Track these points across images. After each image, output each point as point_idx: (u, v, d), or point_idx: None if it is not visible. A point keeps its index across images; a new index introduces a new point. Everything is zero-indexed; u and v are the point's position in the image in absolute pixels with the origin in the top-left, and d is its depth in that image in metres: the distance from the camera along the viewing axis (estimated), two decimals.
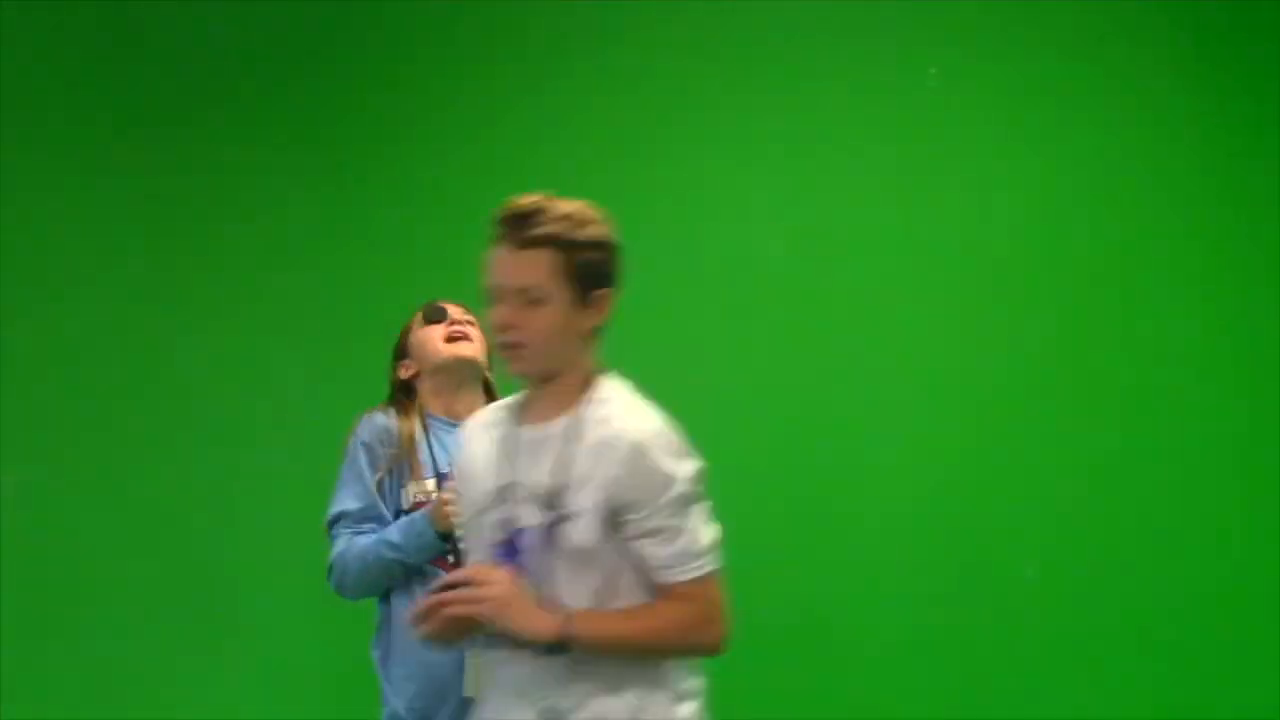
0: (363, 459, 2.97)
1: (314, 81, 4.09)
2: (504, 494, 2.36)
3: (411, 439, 2.98)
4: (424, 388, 3.06)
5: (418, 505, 2.94)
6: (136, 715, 3.79)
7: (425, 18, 4.07)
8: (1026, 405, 3.79)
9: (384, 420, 3.01)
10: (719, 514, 2.34)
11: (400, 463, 2.96)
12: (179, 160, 4.06)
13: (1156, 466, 3.80)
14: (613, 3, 4.05)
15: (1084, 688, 3.73)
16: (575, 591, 2.31)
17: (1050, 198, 3.91)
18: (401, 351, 3.10)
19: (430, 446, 2.99)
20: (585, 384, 2.38)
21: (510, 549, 2.33)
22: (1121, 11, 3.92)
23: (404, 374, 3.07)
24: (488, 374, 3.08)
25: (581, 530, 2.28)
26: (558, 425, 2.35)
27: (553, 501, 2.31)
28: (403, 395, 3.06)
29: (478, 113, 4.06)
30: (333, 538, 2.97)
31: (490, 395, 3.05)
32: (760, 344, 3.92)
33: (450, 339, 3.03)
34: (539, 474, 2.33)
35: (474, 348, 3.04)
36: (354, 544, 2.92)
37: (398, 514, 2.96)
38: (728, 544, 2.35)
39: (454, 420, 2.99)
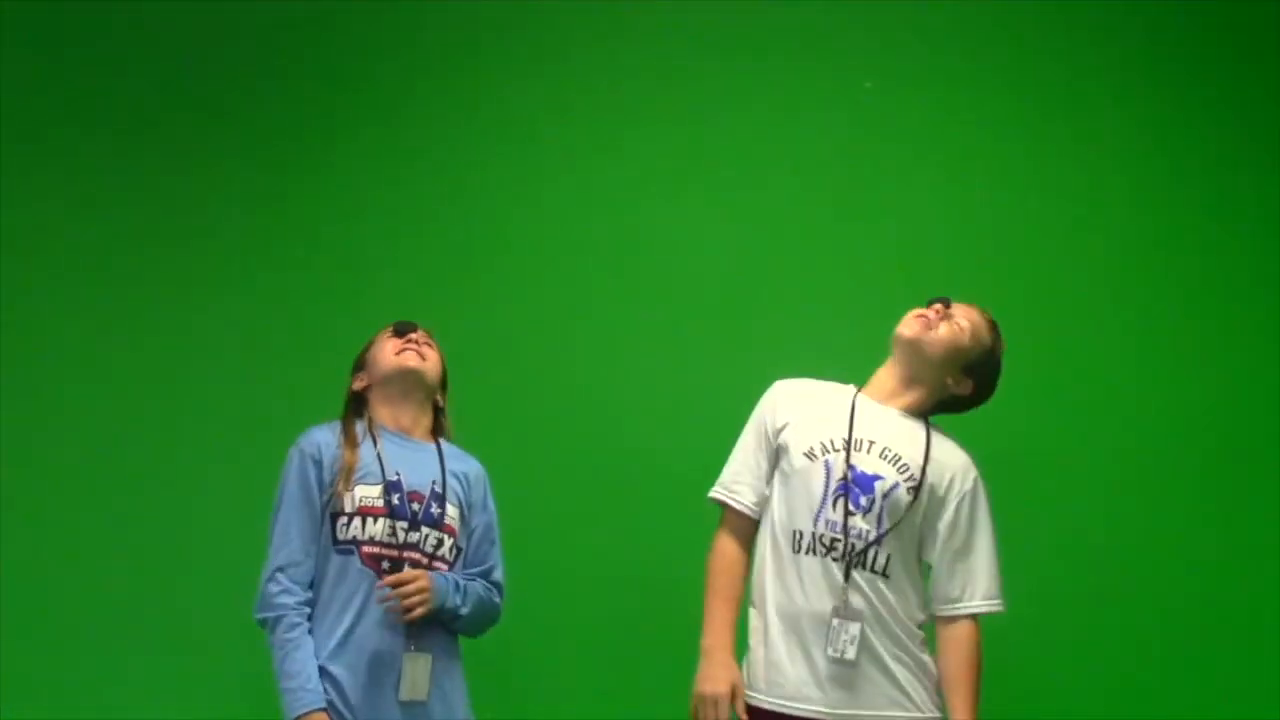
0: (295, 488, 3.03)
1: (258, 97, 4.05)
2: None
3: (355, 447, 3.04)
4: (374, 398, 3.15)
5: (361, 510, 3.01)
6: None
7: (374, 32, 4.02)
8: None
9: (321, 435, 3.08)
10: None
11: (345, 469, 3.03)
12: (117, 179, 4.01)
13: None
14: (559, 19, 4.04)
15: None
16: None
17: (992, 219, 3.86)
18: (359, 364, 3.21)
19: (379, 456, 3.05)
20: None
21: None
22: (1072, 21, 3.89)
23: (356, 385, 3.17)
24: (439, 397, 3.18)
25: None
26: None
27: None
28: (354, 406, 3.16)
29: (427, 126, 4.04)
30: (269, 590, 3.01)
31: (439, 417, 3.18)
32: (695, 365, 3.83)
33: (400, 351, 3.11)
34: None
35: (422, 362, 3.12)
36: (283, 639, 2.97)
37: (338, 515, 3.01)
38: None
39: (401, 433, 3.10)
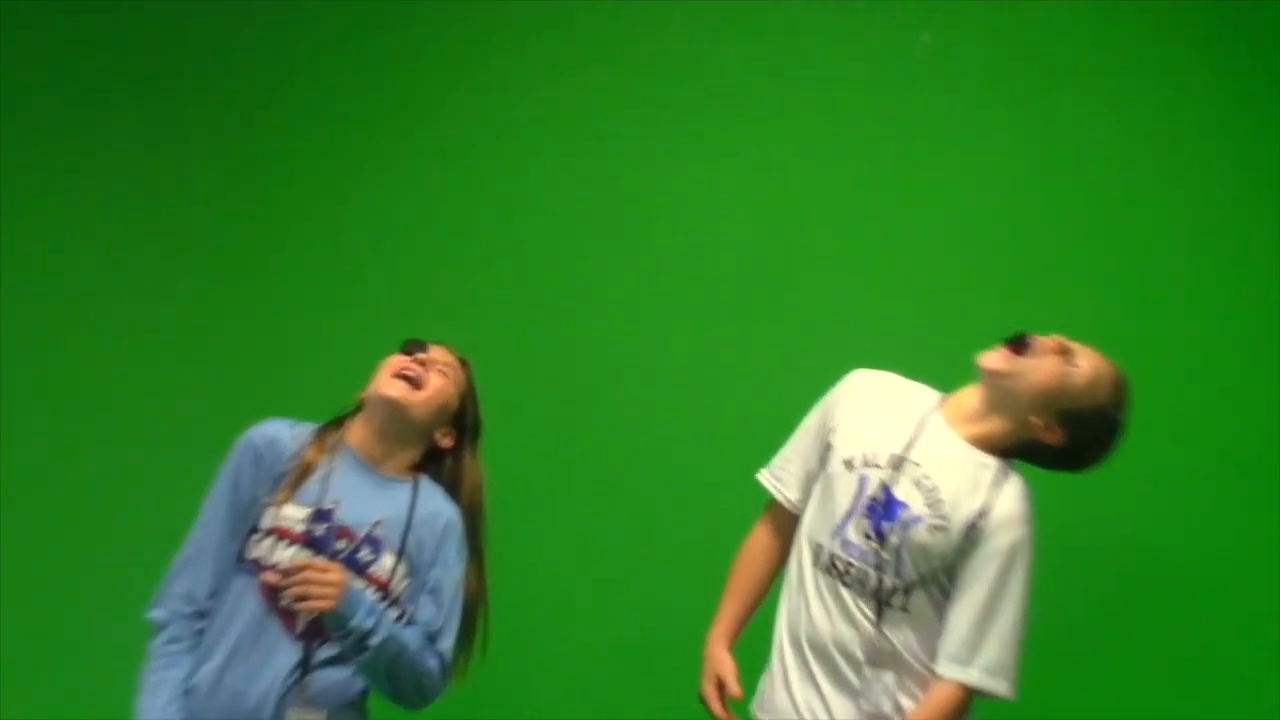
0: (229, 479, 2.74)
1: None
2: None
3: (323, 451, 2.74)
4: (360, 415, 2.83)
5: (277, 530, 2.69)
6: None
7: (341, 27, 3.85)
8: None
9: (276, 429, 2.78)
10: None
11: (299, 469, 2.72)
12: (87, 162, 3.90)
13: (1168, 468, 3.39)
14: None
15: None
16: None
17: (1054, 185, 3.51)
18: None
19: (327, 475, 2.71)
20: None
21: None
22: None
23: (362, 394, 2.83)
24: (440, 436, 2.82)
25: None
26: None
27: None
28: (350, 415, 2.84)
29: (431, 104, 3.82)
30: (170, 588, 2.72)
31: (431, 455, 2.83)
32: (732, 342, 3.57)
33: (398, 373, 2.77)
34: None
35: (410, 393, 2.76)
36: (162, 651, 2.69)
37: (255, 530, 2.71)
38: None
39: (367, 460, 2.77)
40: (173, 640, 2.68)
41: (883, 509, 2.69)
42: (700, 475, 3.47)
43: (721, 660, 2.83)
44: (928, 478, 2.71)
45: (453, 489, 2.85)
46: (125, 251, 3.84)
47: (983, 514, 2.68)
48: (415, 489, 2.79)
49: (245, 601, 2.67)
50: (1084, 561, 3.36)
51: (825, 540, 2.74)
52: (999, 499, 2.70)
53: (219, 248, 3.82)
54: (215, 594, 2.70)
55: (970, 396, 2.78)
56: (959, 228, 3.51)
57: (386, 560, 2.72)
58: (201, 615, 2.70)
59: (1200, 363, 3.40)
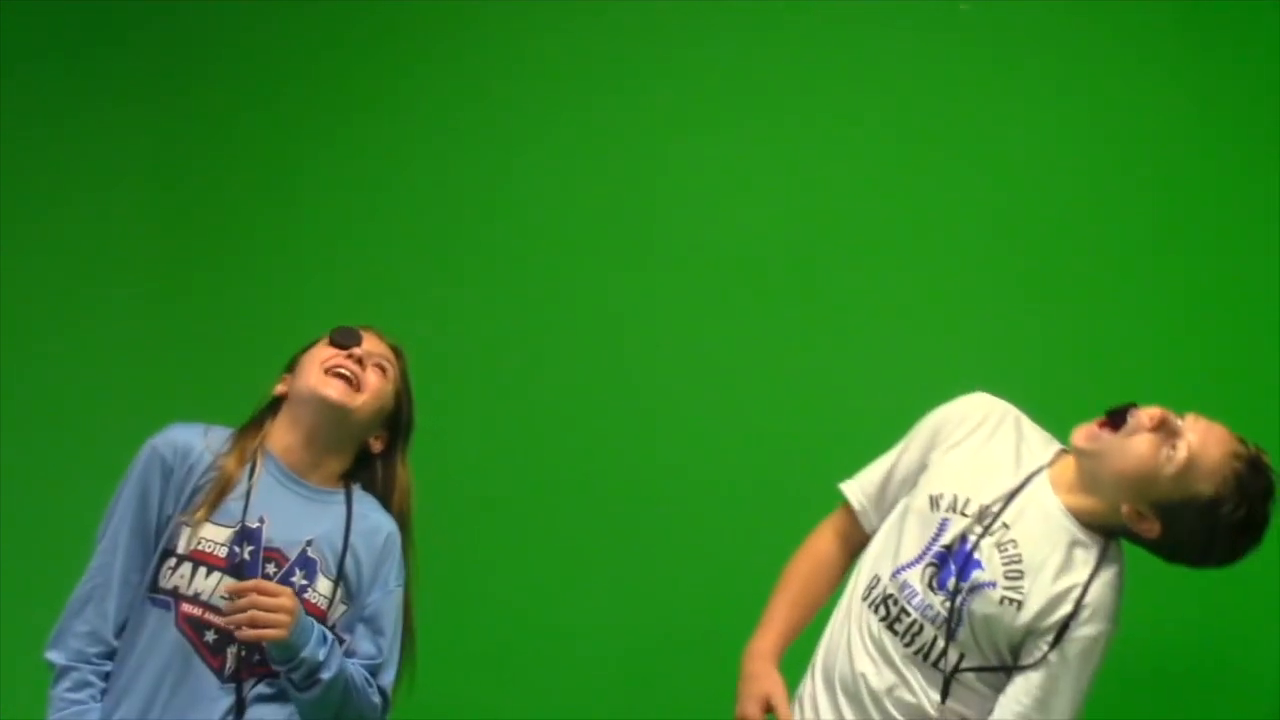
0: (133, 498, 2.44)
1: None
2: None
3: (243, 461, 2.45)
4: (283, 415, 2.54)
5: (196, 555, 2.40)
6: None
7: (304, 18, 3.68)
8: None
9: (186, 436, 2.49)
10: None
11: (218, 484, 2.43)
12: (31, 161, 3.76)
13: None
14: None
15: None
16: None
17: (1115, 160, 3.28)
18: (291, 365, 2.59)
19: (249, 489, 2.43)
20: None
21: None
22: None
23: (280, 388, 2.56)
24: (374, 440, 2.56)
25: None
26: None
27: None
28: (267, 414, 2.55)
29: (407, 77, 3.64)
30: (72, 626, 2.42)
31: (373, 464, 2.57)
32: (768, 330, 3.37)
33: (334, 371, 2.49)
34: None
35: (350, 397, 2.49)
36: (64, 699, 2.39)
37: (168, 555, 2.41)
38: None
39: (291, 470, 2.50)
40: (78, 687, 2.39)
41: (955, 563, 2.46)
42: (707, 475, 3.30)
43: (771, 679, 2.56)
44: (1014, 544, 2.46)
45: (384, 499, 2.59)
46: (71, 245, 3.71)
47: (1067, 599, 2.43)
48: (349, 501, 2.52)
49: (162, 638, 2.38)
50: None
51: (885, 575, 2.52)
52: (1089, 586, 2.44)
53: (169, 240, 3.67)
54: (122, 630, 2.42)
55: (1073, 467, 2.53)
56: (993, 213, 3.31)
57: (322, 584, 2.45)
58: (109, 656, 2.42)
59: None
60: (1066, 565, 2.44)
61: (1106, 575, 2.45)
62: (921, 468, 2.59)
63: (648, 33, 3.49)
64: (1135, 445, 2.39)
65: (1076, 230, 3.27)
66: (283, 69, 3.66)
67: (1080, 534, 2.46)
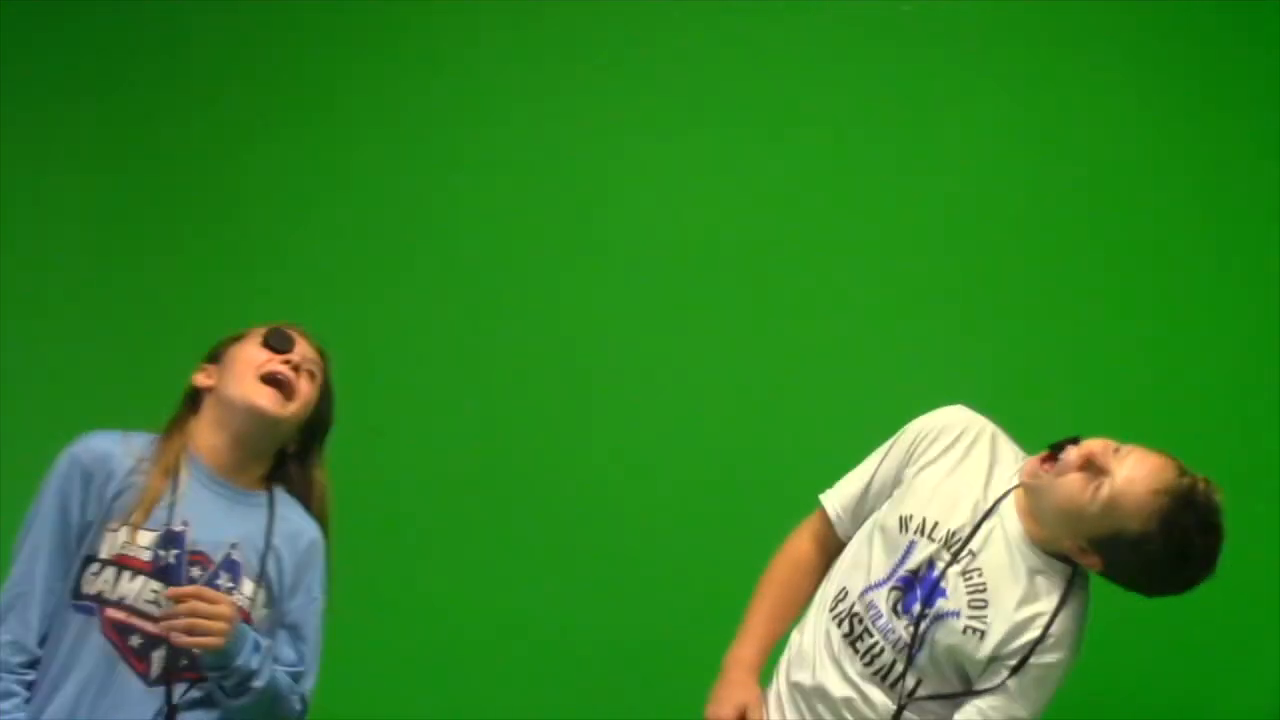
0: (52, 507, 2.38)
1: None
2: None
3: (167, 473, 2.40)
4: (207, 413, 2.48)
5: (121, 560, 2.36)
6: None
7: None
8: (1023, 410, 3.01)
9: (106, 444, 2.44)
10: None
11: (145, 499, 2.37)
12: None
13: None
14: None
15: None
16: None
17: (1053, 161, 3.30)
18: (214, 355, 2.54)
19: (172, 495, 2.38)
20: None
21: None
22: None
23: (203, 380, 2.50)
24: (293, 446, 2.53)
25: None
26: None
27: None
28: (187, 409, 2.49)
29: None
30: None
31: (289, 465, 2.53)
32: (720, 330, 3.35)
33: (269, 377, 2.45)
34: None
35: (284, 408, 2.46)
36: None
37: (90, 561, 2.37)
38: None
39: (216, 473, 2.46)
40: (2, 696, 2.33)
41: (920, 589, 2.47)
42: (657, 475, 3.29)
43: (749, 689, 2.57)
44: (979, 572, 2.47)
45: (303, 501, 2.56)
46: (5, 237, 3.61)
47: (1031, 626, 2.45)
48: (271, 504, 2.49)
49: (86, 644, 2.34)
50: None
51: (853, 592, 2.53)
52: (1056, 615, 2.45)
53: (103, 233, 3.60)
54: (45, 639, 2.38)
55: None
56: (947, 210, 3.31)
57: (246, 587, 2.42)
58: (33, 665, 2.36)
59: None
60: (1030, 594, 2.44)
61: (1072, 605, 2.46)
62: (896, 481, 2.59)
63: (596, 31, 3.47)
64: (1064, 484, 2.40)
65: (1030, 231, 3.27)
66: (224, 63, 3.59)
67: (1043, 562, 2.46)
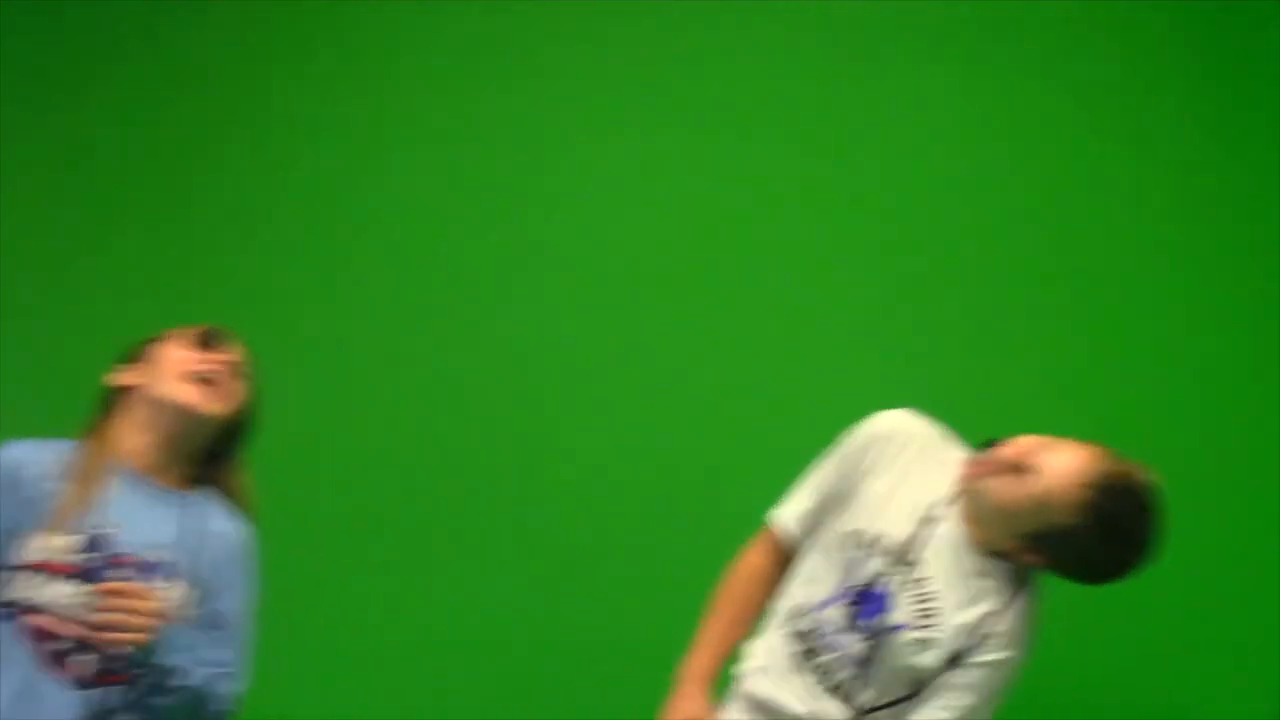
0: None
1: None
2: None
3: (89, 483, 2.37)
4: (131, 414, 2.46)
5: (43, 565, 2.33)
6: None
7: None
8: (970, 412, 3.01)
9: (24, 452, 2.41)
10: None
11: (65, 509, 2.34)
12: None
13: None
14: None
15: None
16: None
17: (1002, 159, 3.32)
18: (135, 354, 2.53)
19: (100, 496, 2.37)
20: None
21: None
22: None
23: (129, 379, 2.48)
24: (216, 450, 2.52)
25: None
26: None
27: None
28: (106, 412, 2.47)
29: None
30: None
31: (215, 466, 2.52)
32: (661, 336, 3.35)
33: (199, 376, 2.46)
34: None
35: (219, 406, 2.47)
36: None
37: (14, 568, 2.34)
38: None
39: (145, 474, 2.45)
40: None
41: (870, 603, 2.50)
42: (595, 481, 3.29)
43: (699, 703, 2.60)
44: (927, 581, 2.50)
45: (229, 501, 2.56)
46: None
47: (978, 628, 2.49)
48: (198, 504, 2.49)
49: (12, 652, 2.31)
50: None
51: (806, 607, 2.56)
52: (1002, 615, 2.50)
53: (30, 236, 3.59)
54: None
55: None
56: (897, 206, 3.32)
57: (172, 588, 2.39)
58: None
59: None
60: (977, 597, 2.48)
61: (1020, 604, 2.49)
62: (843, 491, 2.60)
63: (533, 32, 3.46)
64: (996, 484, 2.44)
65: (968, 231, 3.28)
66: (150, 64, 3.59)
67: (988, 565, 2.49)
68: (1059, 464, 2.42)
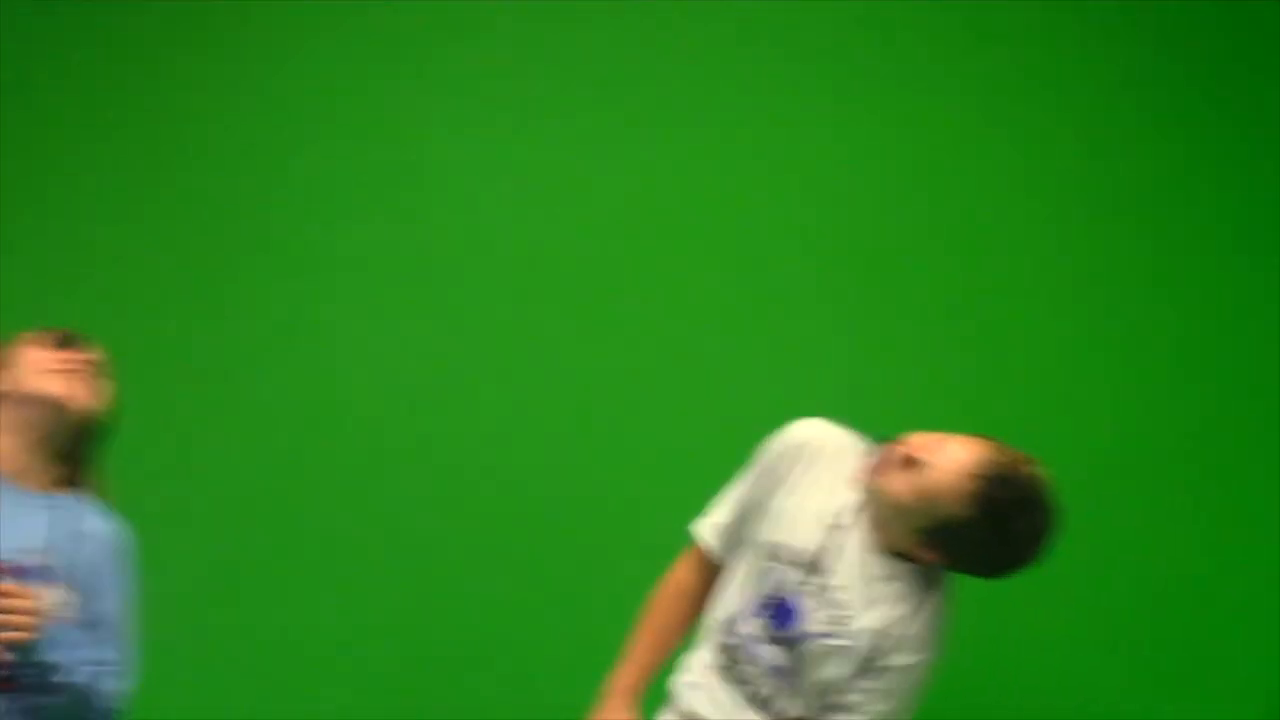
0: None
1: None
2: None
3: None
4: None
5: None
6: None
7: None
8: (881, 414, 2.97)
9: None
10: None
11: None
12: None
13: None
14: None
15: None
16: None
17: (896, 176, 3.33)
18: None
19: None
20: None
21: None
22: None
23: None
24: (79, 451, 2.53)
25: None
26: None
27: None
28: None
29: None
30: None
31: (71, 467, 2.51)
32: (547, 331, 3.31)
33: (63, 374, 2.47)
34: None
35: (89, 399, 2.48)
36: None
37: None
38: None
39: (15, 476, 2.46)
40: None
41: (782, 613, 2.51)
42: (477, 482, 3.26)
43: (622, 716, 2.64)
44: (838, 589, 2.50)
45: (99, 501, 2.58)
46: None
47: (889, 633, 2.50)
48: (69, 506, 2.48)
49: None
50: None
51: (729, 621, 2.58)
52: (910, 618, 2.51)
53: None
54: None
55: None
56: (785, 213, 3.33)
57: (50, 589, 2.38)
58: None
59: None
60: (887, 600, 2.49)
61: (929, 604, 2.51)
62: (761, 504, 2.60)
63: (414, 23, 3.37)
64: (888, 482, 2.46)
65: (884, 228, 3.30)
66: (37, 57, 3.43)
67: (894, 567, 2.50)
68: (948, 457, 2.43)
